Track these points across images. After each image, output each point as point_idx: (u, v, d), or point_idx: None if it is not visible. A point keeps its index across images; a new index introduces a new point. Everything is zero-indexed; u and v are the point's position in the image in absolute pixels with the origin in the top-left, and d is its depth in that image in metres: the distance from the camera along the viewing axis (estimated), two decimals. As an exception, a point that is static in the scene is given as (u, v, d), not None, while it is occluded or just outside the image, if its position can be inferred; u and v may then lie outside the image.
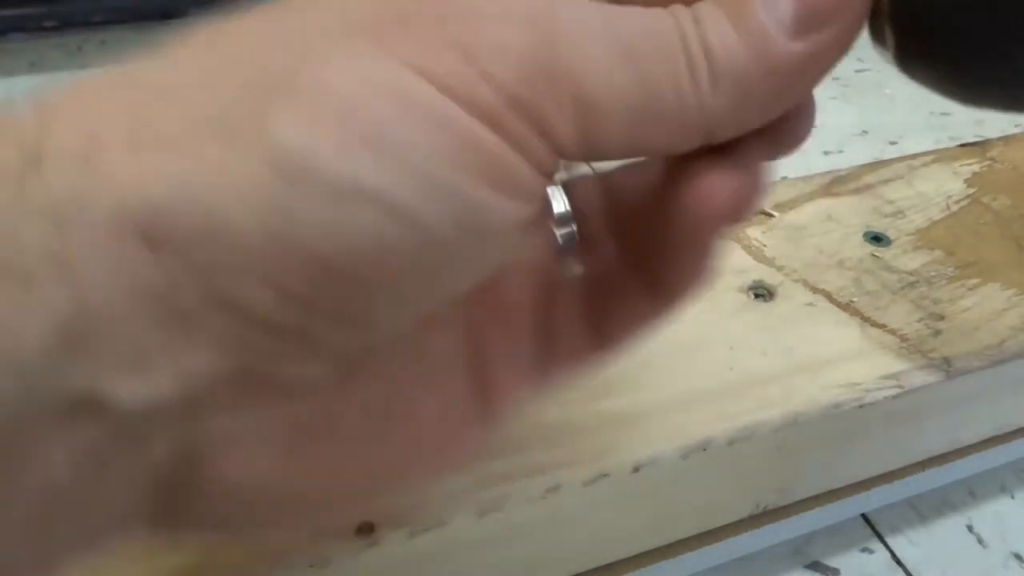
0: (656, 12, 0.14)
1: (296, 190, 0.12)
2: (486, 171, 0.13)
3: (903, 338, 0.28)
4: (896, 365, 0.27)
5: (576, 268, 0.19)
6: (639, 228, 0.18)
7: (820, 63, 0.15)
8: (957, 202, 0.35)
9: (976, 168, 0.38)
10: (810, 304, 0.30)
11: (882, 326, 0.29)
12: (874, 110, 0.57)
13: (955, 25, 0.14)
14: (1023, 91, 0.15)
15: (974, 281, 0.31)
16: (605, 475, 0.23)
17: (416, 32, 0.13)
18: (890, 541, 0.32)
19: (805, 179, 0.36)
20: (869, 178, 0.37)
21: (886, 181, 0.37)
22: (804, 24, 0.14)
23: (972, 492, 0.34)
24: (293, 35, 0.13)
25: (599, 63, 0.13)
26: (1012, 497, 0.34)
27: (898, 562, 0.32)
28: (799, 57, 0.14)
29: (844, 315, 0.29)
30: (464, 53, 0.13)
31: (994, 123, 0.51)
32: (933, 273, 0.31)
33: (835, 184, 0.36)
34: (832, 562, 0.31)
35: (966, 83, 0.15)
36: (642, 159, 0.18)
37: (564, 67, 0.13)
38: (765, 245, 0.32)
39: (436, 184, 0.12)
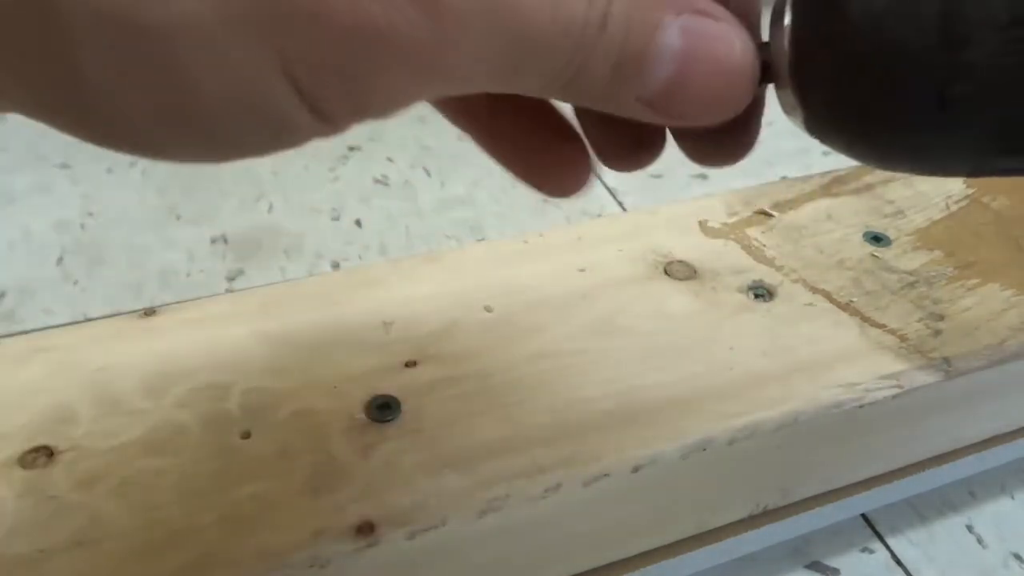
0: None
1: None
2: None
3: (903, 338, 0.28)
4: (896, 365, 0.27)
5: None
6: None
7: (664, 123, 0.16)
8: (957, 202, 0.35)
9: (976, 168, 0.38)
10: (810, 304, 0.30)
11: (882, 326, 0.29)
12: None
13: (860, 101, 0.15)
14: (933, 159, 0.15)
15: (974, 281, 0.31)
16: (605, 475, 0.23)
17: None
18: (890, 541, 0.32)
19: (805, 179, 0.36)
20: (869, 178, 0.37)
21: (886, 181, 0.37)
22: (660, 108, 0.15)
23: (972, 492, 0.34)
24: None
25: (474, 54, 0.14)
26: (1012, 497, 0.34)
27: (898, 562, 0.32)
28: (644, 114, 0.16)
29: (844, 315, 0.29)
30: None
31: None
32: (933, 273, 0.32)
33: (835, 184, 0.36)
34: (832, 562, 0.31)
35: (876, 154, 0.16)
36: None
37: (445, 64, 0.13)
38: (765, 245, 0.32)
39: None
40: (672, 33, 0.15)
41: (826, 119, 0.16)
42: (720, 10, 0.16)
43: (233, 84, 0.12)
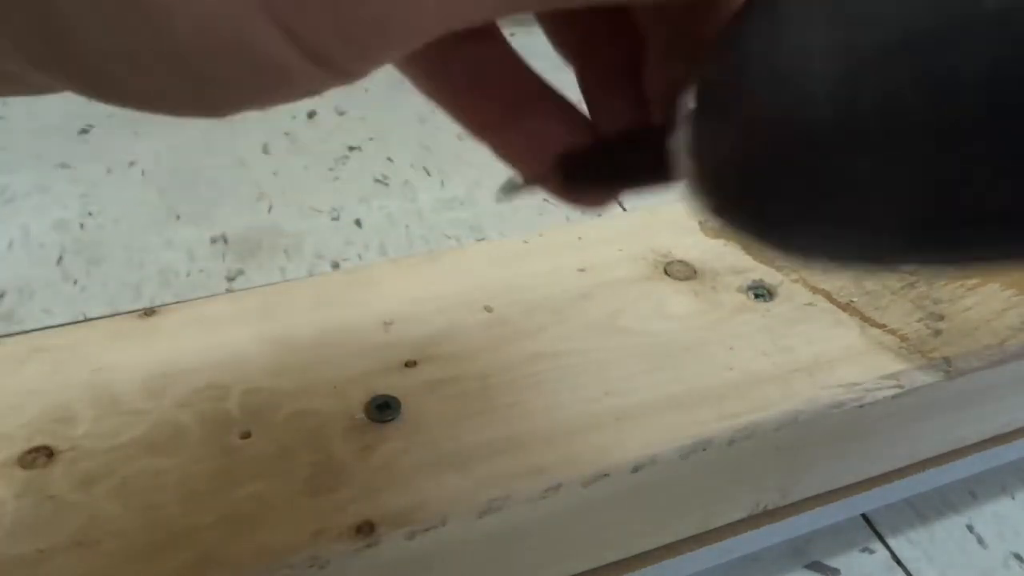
0: None
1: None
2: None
3: (903, 338, 0.28)
4: (896, 365, 0.27)
5: None
6: None
7: None
8: (957, 202, 0.35)
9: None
10: (810, 304, 0.30)
11: (882, 326, 0.29)
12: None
13: (742, 206, 0.14)
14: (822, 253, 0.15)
15: (974, 281, 0.31)
16: (605, 475, 0.23)
17: None
18: (890, 541, 0.32)
19: (805, 179, 0.36)
20: (869, 178, 0.37)
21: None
22: None
23: (972, 492, 0.34)
24: None
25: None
26: (1012, 497, 0.34)
27: (898, 562, 0.32)
28: None
29: (844, 315, 0.29)
30: None
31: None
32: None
33: (835, 184, 0.36)
34: (832, 562, 0.31)
35: (780, 250, 0.15)
36: None
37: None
38: (765, 245, 0.32)
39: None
40: None
41: (731, 217, 0.15)
42: None
43: (209, 23, 0.12)
